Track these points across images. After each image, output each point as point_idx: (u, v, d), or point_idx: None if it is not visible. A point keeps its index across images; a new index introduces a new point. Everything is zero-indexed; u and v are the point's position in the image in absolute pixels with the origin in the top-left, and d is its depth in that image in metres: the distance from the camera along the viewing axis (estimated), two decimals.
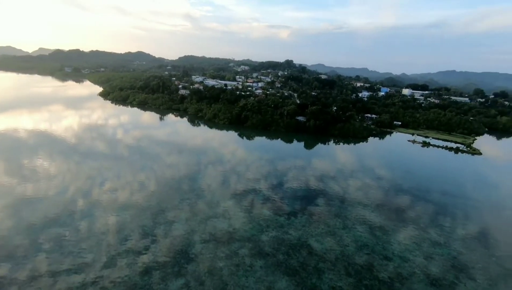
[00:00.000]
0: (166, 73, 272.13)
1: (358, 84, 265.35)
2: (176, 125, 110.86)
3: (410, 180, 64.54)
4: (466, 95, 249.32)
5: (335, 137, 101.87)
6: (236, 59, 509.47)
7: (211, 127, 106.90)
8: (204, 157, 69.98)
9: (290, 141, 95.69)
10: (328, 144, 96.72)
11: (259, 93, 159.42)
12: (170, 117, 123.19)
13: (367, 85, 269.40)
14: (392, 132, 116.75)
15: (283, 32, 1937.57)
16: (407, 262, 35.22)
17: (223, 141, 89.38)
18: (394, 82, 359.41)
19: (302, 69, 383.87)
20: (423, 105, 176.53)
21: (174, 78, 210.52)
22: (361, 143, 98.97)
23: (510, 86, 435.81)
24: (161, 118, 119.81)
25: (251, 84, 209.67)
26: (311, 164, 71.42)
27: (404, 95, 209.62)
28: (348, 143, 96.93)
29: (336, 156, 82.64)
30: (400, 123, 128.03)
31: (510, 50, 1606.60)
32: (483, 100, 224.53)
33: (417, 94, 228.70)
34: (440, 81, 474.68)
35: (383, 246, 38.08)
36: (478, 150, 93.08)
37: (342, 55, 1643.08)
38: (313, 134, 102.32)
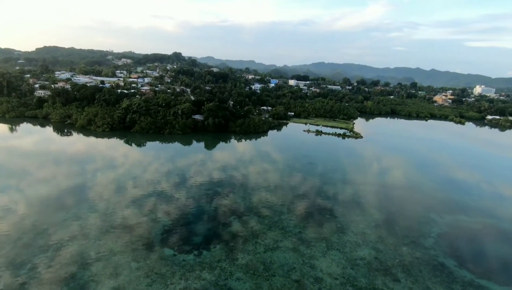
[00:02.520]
0: (17, 68, 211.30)
1: (250, 77, 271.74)
2: (34, 138, 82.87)
3: (321, 174, 64.94)
4: (338, 84, 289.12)
5: (236, 134, 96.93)
6: (116, 51, 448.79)
7: (87, 136, 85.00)
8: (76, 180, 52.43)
9: (189, 144, 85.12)
10: (229, 142, 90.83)
11: (146, 90, 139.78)
12: (24, 127, 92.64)
13: (257, 77, 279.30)
14: (287, 123, 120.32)
15: (168, 23, 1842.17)
16: (337, 279, 31.80)
17: (103, 155, 70.75)
18: (280, 73, 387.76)
19: (192, 62, 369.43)
20: (308, 94, 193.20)
21: (29, 75, 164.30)
22: (262, 137, 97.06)
23: (363, 74, 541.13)
24: (11, 129, 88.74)
25: (135, 79, 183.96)
26: (215, 170, 63.40)
27: (291, 86, 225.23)
28: (250, 139, 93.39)
29: (240, 155, 76.80)
30: (293, 113, 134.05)
31: (359, 46, 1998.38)
32: (350, 87, 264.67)
33: (301, 84, 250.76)
34: (315, 72, 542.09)
35: (310, 264, 33.85)
36: (360, 133, 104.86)
37: (230, 47, 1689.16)
38: (213, 133, 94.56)
